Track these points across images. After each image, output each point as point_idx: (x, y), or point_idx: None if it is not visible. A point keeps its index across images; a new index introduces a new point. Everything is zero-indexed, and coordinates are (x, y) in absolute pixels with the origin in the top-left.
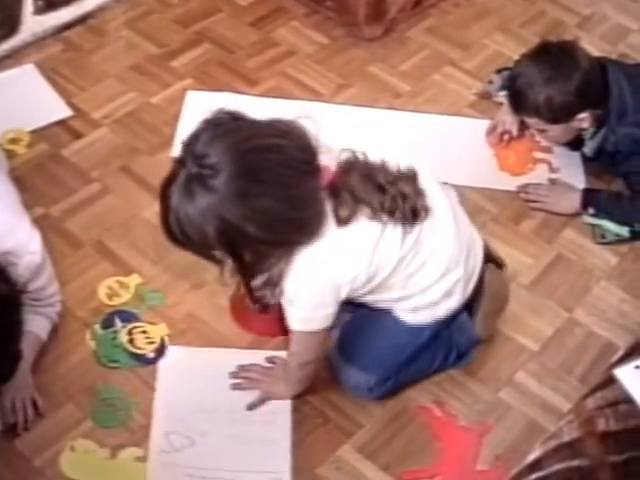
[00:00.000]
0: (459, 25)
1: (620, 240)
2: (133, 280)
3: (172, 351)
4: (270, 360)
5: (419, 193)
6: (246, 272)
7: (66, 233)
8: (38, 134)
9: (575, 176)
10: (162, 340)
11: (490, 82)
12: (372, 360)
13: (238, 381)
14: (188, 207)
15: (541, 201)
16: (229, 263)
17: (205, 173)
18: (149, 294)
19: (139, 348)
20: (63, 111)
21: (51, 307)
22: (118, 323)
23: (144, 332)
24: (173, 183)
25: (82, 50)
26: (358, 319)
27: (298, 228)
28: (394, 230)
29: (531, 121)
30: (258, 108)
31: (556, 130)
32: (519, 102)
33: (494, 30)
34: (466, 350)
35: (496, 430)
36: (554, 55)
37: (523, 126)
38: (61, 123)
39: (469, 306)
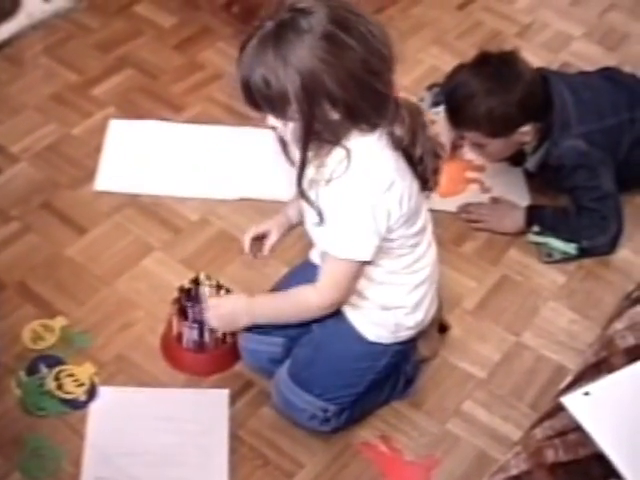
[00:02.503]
0: (393, 40)
1: (567, 258)
2: (58, 322)
3: (103, 392)
4: None
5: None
6: (309, 140)
7: None
8: None
9: (518, 193)
10: (92, 381)
11: (421, 100)
12: (332, 386)
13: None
14: (276, 55)
15: (483, 220)
16: (292, 128)
17: (297, 15)
18: (76, 336)
19: (69, 392)
20: None
21: None
22: (43, 369)
23: (71, 375)
24: (250, 43)
25: None
26: (313, 342)
27: (370, 99)
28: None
29: (470, 135)
30: (184, 135)
31: (496, 144)
32: (458, 115)
33: (430, 43)
34: (412, 376)
35: (445, 463)
36: (494, 66)
37: (455, 145)
38: None
39: None
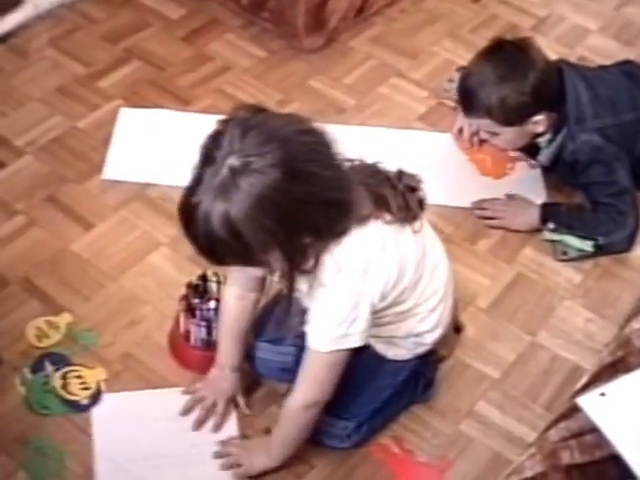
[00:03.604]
0: (406, 33)
1: (584, 256)
2: (63, 319)
3: (106, 399)
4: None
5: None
6: (294, 274)
7: None
8: None
9: (534, 190)
10: (98, 386)
11: (450, 81)
12: (351, 405)
13: (224, 461)
14: (238, 202)
15: (498, 217)
16: (276, 268)
17: (250, 160)
18: (81, 333)
19: (72, 394)
20: None
21: None
22: (48, 367)
23: (79, 377)
24: (200, 191)
25: (3, 72)
26: None
27: (342, 212)
28: (405, 231)
29: (482, 123)
30: (196, 125)
31: (509, 133)
32: (470, 102)
33: (443, 37)
34: (431, 378)
35: (458, 465)
36: (508, 53)
37: (477, 132)
38: None
39: None
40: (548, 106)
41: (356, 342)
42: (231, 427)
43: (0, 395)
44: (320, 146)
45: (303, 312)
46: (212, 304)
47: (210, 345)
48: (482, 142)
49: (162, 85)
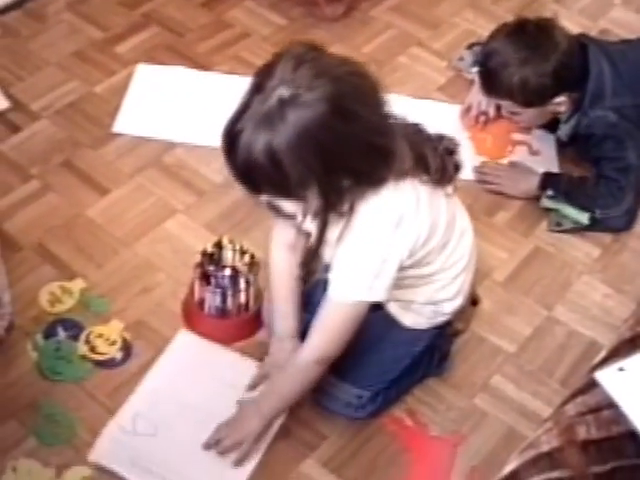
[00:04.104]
0: (427, 2)
1: (577, 229)
2: (77, 285)
3: (182, 335)
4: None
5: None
6: (327, 214)
7: (3, 235)
8: None
9: (549, 161)
10: (123, 337)
11: (461, 59)
12: (367, 373)
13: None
14: (283, 132)
15: (498, 183)
16: (311, 204)
17: (299, 92)
18: (94, 300)
19: (103, 353)
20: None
21: None
22: (61, 332)
23: (100, 335)
24: (245, 118)
25: (20, 36)
26: None
27: (384, 160)
28: (438, 193)
29: (503, 103)
30: (214, 84)
31: (530, 114)
32: (491, 83)
33: (464, 7)
34: (446, 351)
35: (471, 439)
36: (531, 34)
37: (499, 106)
38: None
39: None
40: (569, 87)
41: (378, 296)
42: None
43: (12, 361)
44: (370, 90)
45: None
46: (227, 272)
47: (224, 313)
48: (487, 122)
49: (180, 51)
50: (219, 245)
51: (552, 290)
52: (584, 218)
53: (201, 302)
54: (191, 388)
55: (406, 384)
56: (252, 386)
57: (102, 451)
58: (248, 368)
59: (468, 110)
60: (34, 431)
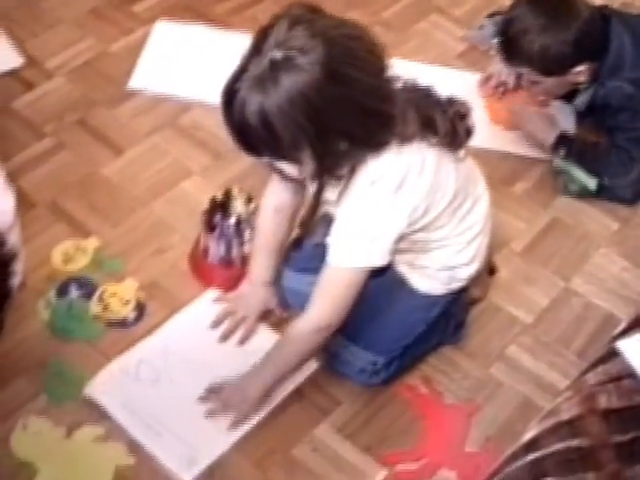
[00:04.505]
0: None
1: (583, 194)
2: (91, 244)
3: (209, 293)
4: None
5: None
6: (323, 176)
7: (18, 192)
8: None
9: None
10: (137, 297)
11: (481, 27)
12: (382, 339)
13: (211, 407)
14: (275, 95)
15: (523, 119)
16: (307, 167)
17: (292, 54)
18: (108, 259)
19: (116, 313)
20: (14, 60)
21: (12, 277)
22: (74, 291)
23: (114, 294)
24: (242, 79)
25: None
26: (364, 294)
27: (381, 124)
28: (448, 158)
29: (522, 71)
30: (231, 44)
31: (549, 83)
32: (511, 50)
33: None
34: (462, 319)
35: (486, 409)
36: (553, 2)
37: (520, 78)
38: (11, 73)
39: None
40: (590, 57)
41: (376, 261)
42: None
43: (23, 319)
44: (367, 54)
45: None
46: (232, 221)
47: (228, 263)
48: (505, 93)
49: (198, 11)
50: (228, 194)
51: (570, 262)
52: (592, 184)
53: (206, 250)
54: (203, 346)
55: (420, 351)
56: (216, 322)
57: (98, 387)
58: (264, 336)
59: (488, 79)
60: (42, 388)
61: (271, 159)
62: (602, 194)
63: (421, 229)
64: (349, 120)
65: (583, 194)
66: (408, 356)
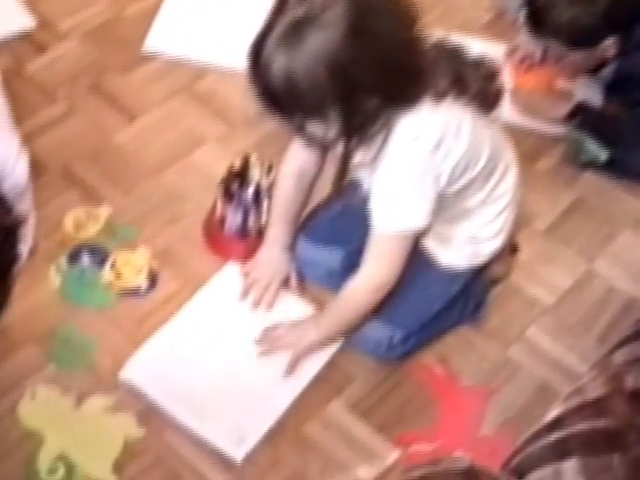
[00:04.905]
0: None
1: (592, 164)
2: (103, 211)
3: (230, 266)
4: None
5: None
6: (351, 136)
7: (29, 158)
8: None
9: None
10: (150, 265)
11: None
12: (400, 312)
13: (264, 348)
14: (298, 54)
15: (532, 106)
16: (334, 127)
17: (314, 11)
18: (121, 227)
19: (129, 282)
20: (25, 21)
21: (22, 242)
22: (86, 258)
23: (127, 263)
24: (267, 38)
25: None
26: None
27: (411, 79)
28: (480, 120)
29: (550, 44)
30: (253, 7)
31: (577, 57)
32: (538, 22)
33: None
34: (482, 299)
35: (504, 392)
36: None
37: (547, 52)
38: (23, 35)
39: None
40: (620, 30)
41: (420, 222)
42: (301, 305)
43: (33, 285)
44: (394, 6)
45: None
46: (251, 190)
47: (245, 233)
48: (532, 66)
49: None
50: (247, 162)
51: (594, 242)
52: (603, 155)
53: (222, 220)
54: (232, 319)
55: (438, 329)
56: (245, 293)
57: (133, 370)
58: (289, 301)
59: (514, 51)
60: (51, 356)
61: (298, 120)
62: (611, 167)
63: (457, 193)
64: (377, 75)
65: (591, 164)
66: (425, 333)
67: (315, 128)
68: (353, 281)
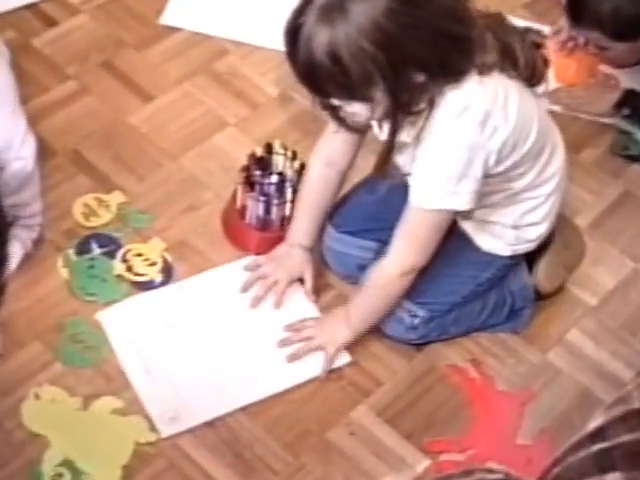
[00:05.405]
0: None
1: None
2: (115, 198)
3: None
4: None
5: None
6: (398, 113)
7: (36, 139)
8: (3, 19)
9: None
10: (164, 258)
11: None
12: (426, 291)
13: (294, 350)
14: (342, 26)
15: (575, 103)
16: (380, 104)
17: None
18: (134, 215)
19: (142, 274)
20: None
21: (28, 231)
22: (95, 248)
23: (139, 254)
24: (307, 12)
25: None
26: None
27: (459, 49)
28: (529, 92)
29: (591, 35)
30: None
31: (619, 49)
32: (579, 10)
33: None
34: (520, 306)
35: (541, 398)
36: None
37: (588, 43)
38: (32, 7)
39: (529, 256)
40: None
41: (464, 203)
42: (310, 310)
43: (39, 277)
44: None
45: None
46: (274, 178)
47: (266, 224)
48: (575, 49)
49: None
50: (270, 149)
51: None
52: None
53: (242, 210)
54: (231, 307)
55: (464, 321)
56: (246, 287)
57: (110, 315)
58: (298, 303)
59: (556, 33)
60: (58, 353)
61: (340, 100)
62: None
63: (504, 173)
64: (425, 47)
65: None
66: (449, 320)
67: (359, 107)
68: (381, 264)
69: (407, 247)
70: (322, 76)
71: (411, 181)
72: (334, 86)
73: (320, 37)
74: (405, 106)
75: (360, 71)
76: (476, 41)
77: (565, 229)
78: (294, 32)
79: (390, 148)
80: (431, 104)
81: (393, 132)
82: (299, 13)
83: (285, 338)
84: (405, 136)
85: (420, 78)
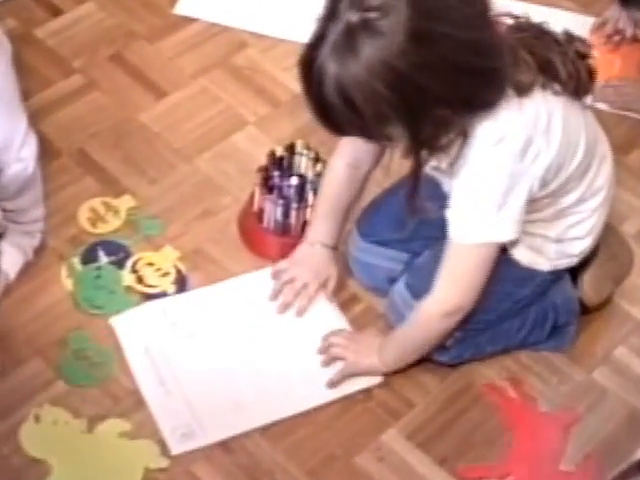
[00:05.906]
0: None
1: None
2: (124, 203)
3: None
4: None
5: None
6: (420, 151)
7: (39, 139)
8: (4, 7)
9: None
10: (177, 268)
11: None
12: None
13: (325, 356)
14: (352, 65)
15: (625, 98)
16: (400, 143)
17: (370, 16)
18: (145, 221)
19: (153, 286)
20: None
21: (29, 238)
22: (103, 257)
23: (151, 264)
24: (319, 47)
25: None
26: (443, 251)
27: (484, 82)
28: (575, 109)
29: None
30: None
31: None
32: None
33: None
34: (564, 322)
35: (587, 420)
36: None
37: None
38: None
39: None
40: None
41: (507, 234)
42: (339, 320)
43: (41, 288)
44: (460, 3)
45: (439, 196)
46: (294, 180)
47: (285, 228)
48: (621, 43)
49: None
50: (291, 149)
51: None
52: None
53: (260, 213)
54: (253, 317)
55: (500, 340)
56: (275, 294)
57: (125, 321)
58: (321, 308)
59: (602, 25)
60: (61, 370)
61: (358, 137)
62: None
63: (551, 194)
64: (443, 85)
65: None
66: (484, 339)
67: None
68: (424, 303)
69: (451, 286)
70: (335, 115)
71: (448, 215)
72: (349, 126)
73: (330, 75)
74: (428, 142)
75: (374, 112)
76: (504, 69)
77: (610, 237)
78: (307, 66)
79: (416, 185)
80: (463, 134)
81: (417, 170)
82: (312, 46)
83: (324, 346)
84: (438, 163)
85: (442, 113)
